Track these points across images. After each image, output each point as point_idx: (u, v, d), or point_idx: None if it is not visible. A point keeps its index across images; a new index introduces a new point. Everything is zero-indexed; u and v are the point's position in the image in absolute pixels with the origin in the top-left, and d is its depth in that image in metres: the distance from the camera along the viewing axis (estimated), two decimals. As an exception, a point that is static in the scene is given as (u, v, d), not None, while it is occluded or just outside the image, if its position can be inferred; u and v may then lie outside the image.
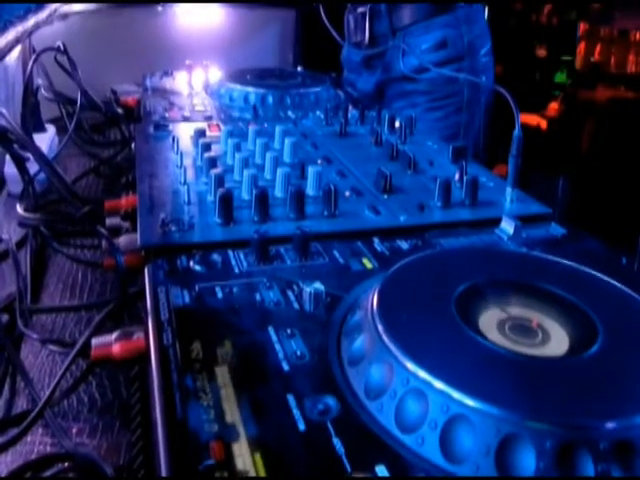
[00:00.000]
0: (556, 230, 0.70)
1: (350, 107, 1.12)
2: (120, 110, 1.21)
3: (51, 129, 1.22)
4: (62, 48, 1.14)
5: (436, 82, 1.40)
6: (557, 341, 0.47)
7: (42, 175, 0.87)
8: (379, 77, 1.46)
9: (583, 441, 0.36)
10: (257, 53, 1.83)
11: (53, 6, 1.46)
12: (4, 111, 0.73)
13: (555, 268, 0.56)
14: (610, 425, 0.37)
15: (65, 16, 1.61)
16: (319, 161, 0.86)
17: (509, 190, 0.75)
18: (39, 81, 1.17)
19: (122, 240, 0.64)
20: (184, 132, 0.97)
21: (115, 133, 1.24)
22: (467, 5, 1.40)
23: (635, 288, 0.52)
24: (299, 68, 1.42)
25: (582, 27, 2.98)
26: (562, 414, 0.38)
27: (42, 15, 1.33)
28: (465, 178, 0.75)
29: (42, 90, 1.17)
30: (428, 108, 1.42)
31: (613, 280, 0.53)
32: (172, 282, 0.55)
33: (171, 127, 1.01)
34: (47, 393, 0.54)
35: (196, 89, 1.29)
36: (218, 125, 1.00)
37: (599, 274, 0.54)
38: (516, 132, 0.74)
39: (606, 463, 0.36)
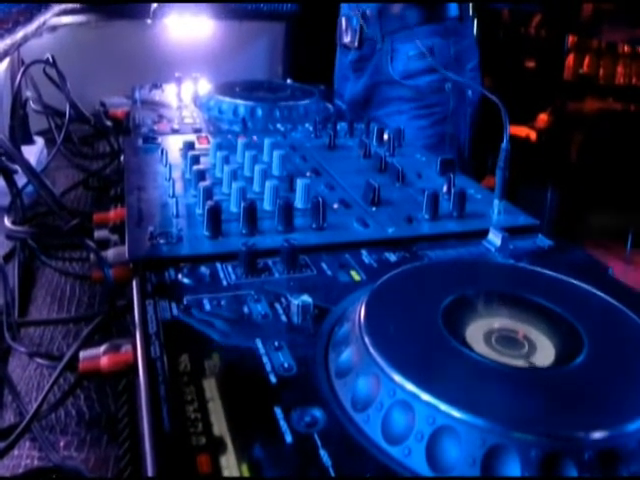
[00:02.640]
0: (543, 242, 0.71)
1: (339, 120, 1.13)
2: (109, 122, 1.21)
3: (40, 141, 1.22)
4: (51, 60, 1.14)
5: (422, 90, 1.43)
6: (543, 352, 0.47)
7: (30, 188, 0.87)
8: (367, 80, 1.49)
9: (568, 451, 0.37)
10: (246, 65, 1.84)
11: (42, 19, 1.47)
12: (-8, 124, 0.73)
13: (542, 280, 0.57)
14: (594, 435, 0.38)
15: (54, 28, 1.62)
16: (308, 174, 0.87)
17: (496, 202, 0.76)
18: (28, 93, 1.17)
19: (110, 253, 0.64)
20: (173, 145, 0.97)
21: (104, 145, 1.24)
22: (456, 18, 1.43)
23: (620, 299, 0.53)
24: (288, 80, 1.42)
25: (571, 39, 3.02)
26: (547, 424, 0.38)
27: (31, 28, 1.33)
28: (453, 190, 0.76)
29: (31, 102, 1.18)
30: (414, 116, 1.44)
31: (599, 291, 0.54)
32: (160, 295, 0.55)
33: (160, 140, 1.01)
34: (35, 406, 0.54)
35: (185, 102, 1.29)
36: (207, 138, 1.01)
37: (585, 285, 0.55)
38: (504, 144, 0.75)
39: (590, 473, 0.37)
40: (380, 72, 1.46)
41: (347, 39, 1.51)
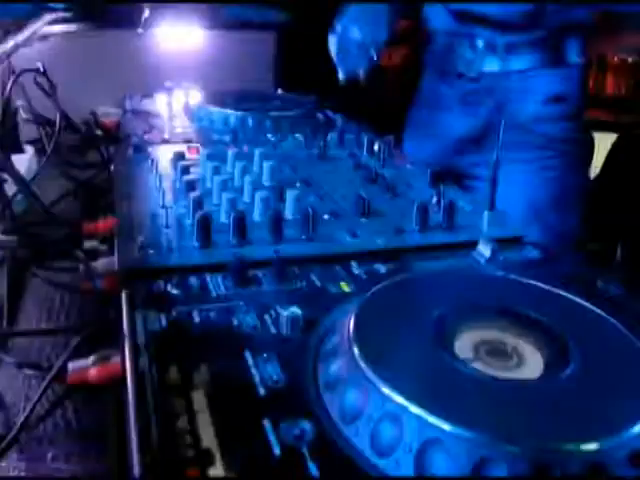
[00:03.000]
0: (532, 252, 0.71)
1: (329, 130, 1.13)
2: (99, 132, 1.21)
3: (29, 150, 1.21)
4: (42, 69, 1.14)
5: (553, 137, 1.29)
6: (532, 364, 0.47)
7: (20, 197, 0.87)
8: (484, 118, 1.32)
9: (556, 463, 0.37)
10: (237, 75, 1.84)
11: (33, 28, 1.47)
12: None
13: (531, 291, 0.57)
14: (583, 448, 0.38)
15: (45, 37, 1.62)
16: (298, 184, 0.87)
17: (486, 213, 0.77)
18: (18, 102, 1.17)
19: (100, 263, 0.64)
20: (163, 155, 0.97)
21: (95, 155, 1.24)
22: (579, 62, 1.29)
23: (609, 310, 0.53)
24: (279, 90, 1.43)
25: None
26: (535, 437, 0.38)
27: (22, 36, 1.33)
28: (443, 201, 0.76)
29: (21, 111, 1.17)
30: (544, 166, 1.30)
31: (587, 302, 0.54)
32: (149, 306, 0.55)
33: (150, 149, 1.01)
34: (22, 418, 0.54)
35: (176, 111, 1.29)
36: (197, 148, 1.01)
37: (573, 296, 0.55)
38: (494, 156, 0.76)
39: (578, 485, 0.37)
40: (503, 111, 1.29)
41: (456, 69, 1.33)
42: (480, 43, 1.28)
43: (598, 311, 0.53)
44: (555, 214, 1.30)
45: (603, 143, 2.23)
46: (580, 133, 1.31)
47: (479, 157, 1.33)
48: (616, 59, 2.89)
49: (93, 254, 0.69)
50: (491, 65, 1.28)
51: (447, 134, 1.37)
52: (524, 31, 1.24)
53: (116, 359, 0.51)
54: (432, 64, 1.43)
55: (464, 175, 1.39)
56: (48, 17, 1.61)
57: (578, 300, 0.55)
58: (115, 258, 0.63)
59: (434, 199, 0.80)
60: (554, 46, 1.26)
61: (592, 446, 0.38)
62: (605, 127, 2.60)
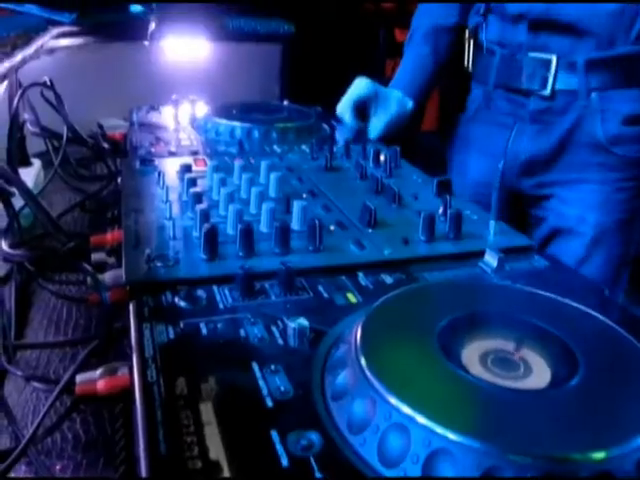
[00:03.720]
0: (539, 262, 0.72)
1: (335, 141, 1.14)
2: (106, 145, 1.22)
3: (37, 163, 1.23)
4: (48, 83, 1.15)
5: (630, 159, 1.24)
6: (539, 374, 0.48)
7: (27, 210, 0.88)
8: (557, 138, 1.26)
9: (564, 473, 0.37)
10: (243, 87, 1.86)
11: (40, 42, 1.49)
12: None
13: (537, 301, 0.57)
14: (591, 457, 0.38)
15: (52, 51, 1.64)
16: (304, 195, 0.87)
17: (492, 223, 0.77)
18: (25, 116, 1.18)
19: (107, 276, 0.65)
20: (170, 167, 0.98)
21: (101, 168, 1.25)
22: None
23: (616, 319, 0.53)
24: (285, 102, 1.44)
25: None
26: (543, 446, 0.39)
27: (29, 51, 1.35)
28: (449, 211, 0.77)
29: (28, 125, 1.18)
30: (619, 188, 1.25)
31: (594, 312, 0.54)
32: (157, 318, 0.55)
33: (157, 162, 1.02)
34: (31, 430, 0.54)
35: (182, 124, 1.30)
36: (204, 160, 1.02)
37: (580, 306, 0.55)
38: (500, 165, 0.76)
39: (586, 495, 0.37)
40: (579, 132, 1.23)
41: (520, 84, 1.26)
42: (554, 58, 1.21)
43: (605, 320, 0.53)
44: (620, 236, 1.28)
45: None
46: None
47: (547, 177, 1.30)
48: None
49: (101, 266, 0.70)
50: (568, 83, 1.22)
51: (512, 154, 1.29)
52: (608, 45, 1.19)
53: (124, 371, 0.51)
54: (489, 79, 1.34)
55: (526, 197, 1.35)
56: (55, 31, 1.63)
57: (585, 309, 0.55)
58: (122, 270, 0.64)
59: (440, 209, 0.81)
60: (635, 63, 1.21)
61: (600, 455, 0.38)
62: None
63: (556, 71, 1.21)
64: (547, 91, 1.22)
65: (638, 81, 1.21)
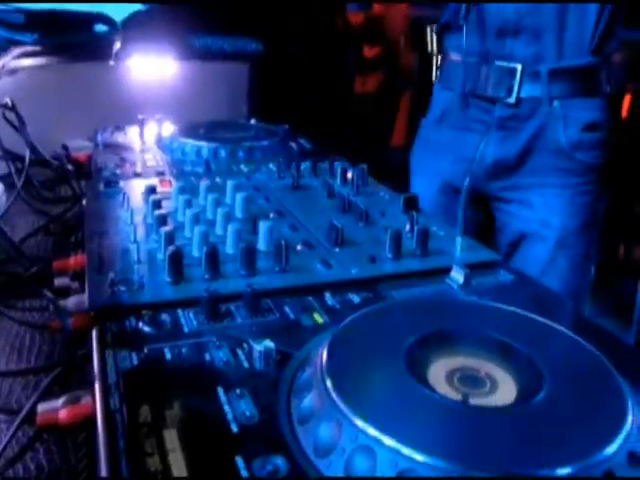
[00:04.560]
0: (505, 276, 0.72)
1: (302, 159, 1.14)
2: (70, 166, 1.21)
3: (-1, 187, 1.21)
4: (10, 104, 1.14)
5: (591, 165, 1.31)
6: (505, 390, 0.48)
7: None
8: (522, 144, 1.32)
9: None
10: (211, 106, 1.85)
11: (1, 62, 1.47)
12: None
13: (503, 316, 0.58)
14: (557, 472, 0.38)
15: (14, 71, 1.63)
16: (271, 215, 0.88)
17: (458, 239, 0.78)
18: (-14, 138, 1.17)
19: (70, 301, 0.64)
20: (135, 188, 0.98)
21: (66, 190, 1.24)
22: (611, 92, 1.31)
23: (581, 333, 0.54)
24: (252, 120, 1.44)
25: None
26: (508, 463, 0.39)
27: (-10, 72, 1.34)
28: (416, 228, 0.77)
29: (-11, 147, 1.17)
30: (581, 192, 1.32)
31: (559, 326, 0.55)
32: (120, 344, 0.55)
33: (122, 184, 1.02)
34: (-9, 463, 0.53)
35: (148, 144, 1.30)
36: (170, 181, 1.01)
37: (545, 320, 0.56)
38: (465, 183, 0.77)
39: (552, 511, 0.37)
40: (543, 138, 1.30)
41: (486, 91, 1.32)
42: (519, 67, 1.28)
43: (570, 334, 0.54)
44: (583, 239, 1.33)
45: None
46: (609, 161, 1.34)
47: (510, 181, 1.36)
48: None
49: (64, 291, 0.69)
50: (532, 91, 1.29)
51: (480, 158, 1.34)
52: (570, 55, 1.26)
53: (87, 399, 0.51)
54: (457, 86, 1.40)
55: (492, 198, 1.41)
56: (16, 51, 1.62)
57: (550, 324, 0.55)
58: (86, 296, 0.63)
59: (407, 226, 0.81)
60: (591, 74, 1.28)
61: (565, 470, 0.38)
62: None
63: (521, 80, 1.27)
64: (512, 99, 1.29)
65: (596, 91, 1.28)
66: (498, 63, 1.30)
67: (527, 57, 1.27)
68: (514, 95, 1.28)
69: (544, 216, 1.33)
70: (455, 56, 1.40)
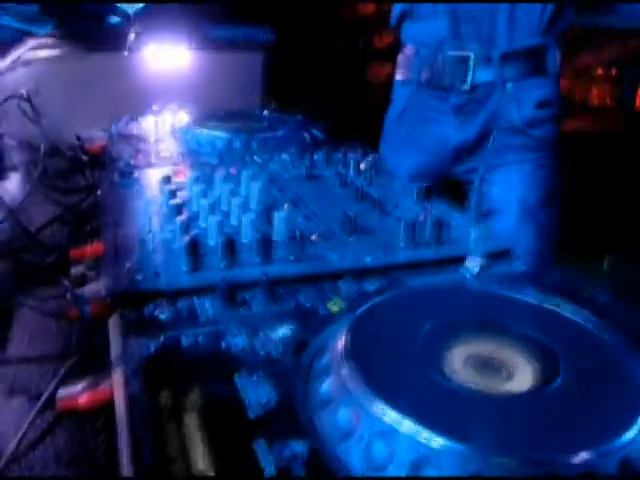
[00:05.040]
0: (519, 266, 0.72)
1: (316, 149, 1.14)
2: (85, 157, 1.22)
3: (15, 177, 1.22)
4: (25, 95, 1.15)
5: (545, 140, 1.39)
6: (521, 377, 0.48)
7: (5, 224, 0.87)
8: (480, 126, 1.40)
9: (548, 475, 0.38)
10: (225, 96, 1.85)
11: (16, 54, 1.48)
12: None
13: (518, 305, 0.58)
14: (574, 458, 0.39)
15: (28, 63, 1.63)
16: (285, 205, 0.88)
17: (472, 228, 0.78)
18: (3, 129, 1.18)
19: (87, 289, 0.65)
20: (150, 179, 0.98)
21: (81, 180, 1.25)
22: (557, 71, 1.39)
23: (595, 322, 0.54)
24: (265, 111, 1.44)
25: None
26: (526, 449, 0.39)
27: (5, 63, 1.34)
28: (430, 217, 0.77)
29: (5, 138, 1.18)
30: (539, 165, 1.39)
31: (574, 314, 0.55)
32: (138, 331, 0.55)
33: (137, 174, 1.02)
34: (13, 446, 0.54)
35: (163, 134, 1.30)
36: (184, 171, 1.02)
37: (560, 309, 0.56)
38: (480, 172, 0.77)
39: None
40: (498, 118, 1.38)
41: (441, 81, 1.39)
42: (472, 56, 1.34)
43: (584, 322, 0.54)
44: (545, 210, 1.40)
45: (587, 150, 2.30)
46: (560, 134, 1.42)
47: (474, 163, 1.42)
48: (600, 71, 2.94)
49: (81, 280, 0.70)
50: (485, 76, 1.36)
51: (441, 146, 1.43)
52: (520, 38, 1.33)
53: (106, 385, 0.51)
54: (413, 77, 1.47)
55: (460, 182, 1.47)
56: (31, 42, 1.63)
57: (565, 313, 0.56)
58: (103, 283, 0.64)
59: (421, 215, 0.81)
60: (540, 55, 1.35)
61: (583, 456, 0.39)
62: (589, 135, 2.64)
63: (474, 67, 1.35)
64: (467, 86, 1.36)
65: (546, 70, 1.36)
66: (451, 53, 1.37)
67: (480, 43, 1.34)
68: (468, 82, 1.35)
69: (505, 192, 1.40)
70: (411, 47, 1.46)
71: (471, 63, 1.35)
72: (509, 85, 1.35)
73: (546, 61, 1.36)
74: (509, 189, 1.39)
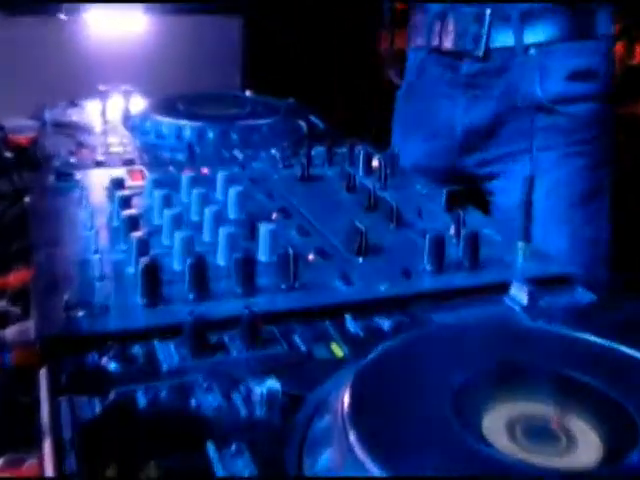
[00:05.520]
0: (583, 296, 0.72)
1: (314, 142, 1.15)
2: (9, 153, 1.21)
3: None
4: None
5: (583, 119, 1.35)
6: (587, 447, 0.48)
7: None
8: (496, 103, 1.38)
9: None
10: (194, 74, 1.86)
11: None
12: None
13: (583, 348, 0.58)
14: None
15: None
16: (274, 215, 0.88)
17: (520, 245, 0.78)
18: None
19: (10, 331, 0.64)
20: (96, 182, 0.98)
21: (4, 184, 1.25)
22: (608, 33, 1.37)
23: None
24: (248, 92, 1.45)
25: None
26: None
27: None
28: (463, 231, 0.77)
29: None
30: (572, 153, 1.35)
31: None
32: (78, 387, 0.55)
33: (79, 175, 1.02)
34: None
35: (113, 124, 1.30)
36: (141, 172, 1.02)
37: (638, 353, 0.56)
38: (529, 171, 0.77)
39: None
40: (517, 93, 1.35)
41: (452, 44, 1.38)
42: (488, 12, 1.33)
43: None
44: (582, 209, 1.36)
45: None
46: (609, 116, 1.38)
47: (489, 153, 1.40)
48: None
49: (2, 319, 0.69)
50: (503, 39, 1.34)
51: (449, 128, 1.42)
52: None
53: (32, 462, 0.51)
54: (423, 42, 1.47)
55: (471, 178, 1.45)
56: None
57: (643, 358, 0.55)
58: (31, 323, 0.63)
59: (452, 228, 0.81)
60: (580, 14, 1.33)
61: None
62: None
63: (490, 26, 1.33)
64: (480, 51, 1.34)
65: (588, 31, 1.34)
66: (464, 9, 1.36)
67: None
68: (482, 46, 1.34)
69: (526, 187, 1.36)
70: (420, 9, 1.47)
71: (486, 22, 1.33)
72: (532, 51, 1.33)
73: (590, 20, 1.34)
74: (536, 184, 1.35)
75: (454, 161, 1.44)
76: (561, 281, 0.75)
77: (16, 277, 0.75)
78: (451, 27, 1.39)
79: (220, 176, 0.93)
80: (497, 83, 1.36)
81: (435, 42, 1.42)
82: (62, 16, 1.89)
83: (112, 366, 0.58)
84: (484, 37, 1.33)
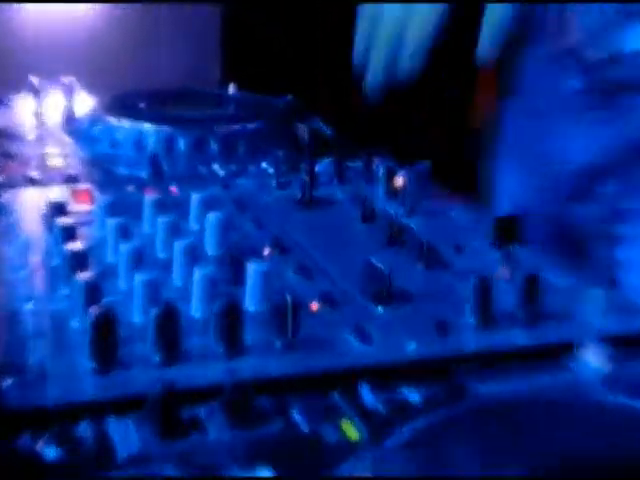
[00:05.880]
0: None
1: (319, 154, 1.15)
2: None
3: None
4: None
5: None
6: None
7: None
8: (622, 130, 1.31)
9: None
10: (160, 64, 1.88)
11: None
12: None
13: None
14: None
15: None
16: (266, 251, 0.88)
17: (599, 293, 0.78)
18: None
19: None
20: (29, 206, 0.99)
21: None
22: None
23: None
24: (231, 88, 1.45)
25: None
26: None
27: None
28: (518, 273, 0.77)
29: None
30: None
31: None
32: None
33: (5, 196, 1.02)
34: None
35: (50, 128, 1.31)
36: (89, 192, 1.02)
37: None
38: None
39: None
40: None
41: (573, 43, 1.32)
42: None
43: None
44: None
45: None
46: None
47: (622, 203, 1.32)
48: None
49: None
50: (635, 40, 1.28)
51: (559, 159, 1.36)
52: None
53: None
54: (532, 42, 1.42)
55: (590, 234, 1.37)
56: None
57: None
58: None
59: (503, 270, 0.81)
60: None
61: None
62: None
63: (614, 21, 1.26)
64: (604, 52, 1.28)
65: None
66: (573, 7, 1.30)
67: None
68: (605, 46, 1.28)
69: None
70: None
71: (609, 13, 1.27)
72: None
73: None
74: None
75: (558, 208, 1.37)
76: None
77: None
78: (562, 20, 1.33)
79: (194, 198, 0.94)
80: (630, 101, 1.30)
81: (549, 41, 1.38)
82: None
83: (50, 452, 0.58)
84: (604, 34, 1.28)
